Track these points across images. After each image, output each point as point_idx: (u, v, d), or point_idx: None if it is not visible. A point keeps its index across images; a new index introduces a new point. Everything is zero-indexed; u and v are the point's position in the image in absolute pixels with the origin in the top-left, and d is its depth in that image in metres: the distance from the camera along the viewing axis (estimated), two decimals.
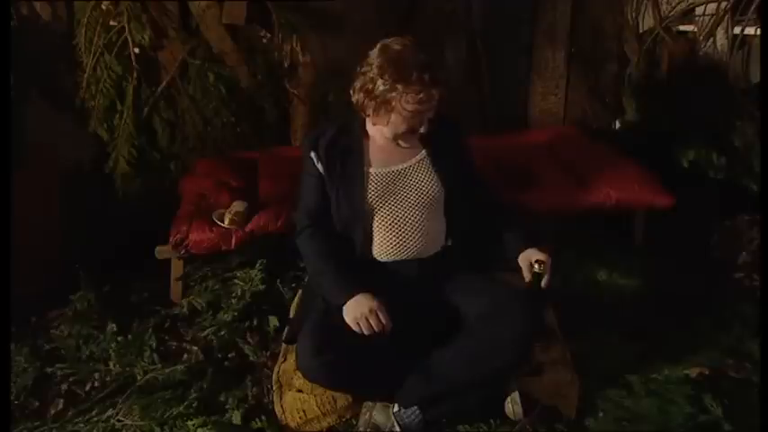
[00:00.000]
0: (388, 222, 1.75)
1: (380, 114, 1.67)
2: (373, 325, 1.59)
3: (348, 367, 1.63)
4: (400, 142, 1.75)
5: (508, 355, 1.63)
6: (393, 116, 1.66)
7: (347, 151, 1.77)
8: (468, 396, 1.68)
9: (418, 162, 1.79)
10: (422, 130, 1.69)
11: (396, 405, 1.68)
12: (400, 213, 1.75)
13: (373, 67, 1.63)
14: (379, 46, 1.67)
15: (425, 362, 1.67)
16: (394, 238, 1.75)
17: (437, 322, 1.74)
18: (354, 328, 1.61)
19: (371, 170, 1.76)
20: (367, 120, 1.77)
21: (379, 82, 1.62)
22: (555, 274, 2.30)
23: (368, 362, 1.66)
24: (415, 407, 1.67)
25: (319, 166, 1.77)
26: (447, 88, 1.67)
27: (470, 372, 1.64)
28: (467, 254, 1.83)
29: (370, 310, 1.60)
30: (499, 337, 1.61)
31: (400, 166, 1.77)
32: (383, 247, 1.76)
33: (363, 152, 1.78)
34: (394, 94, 1.61)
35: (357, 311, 1.61)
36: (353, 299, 1.63)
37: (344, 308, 1.63)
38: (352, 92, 1.71)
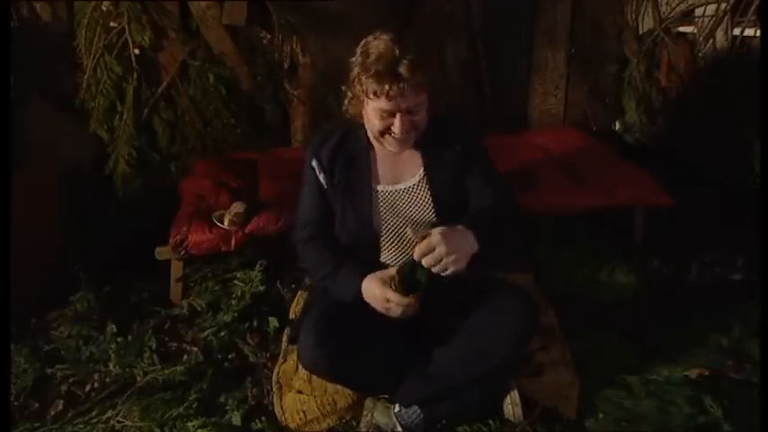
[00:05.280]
0: (394, 239, 1.69)
1: (358, 111, 1.62)
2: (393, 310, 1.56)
3: (350, 360, 1.60)
4: (392, 147, 1.64)
5: (506, 349, 1.60)
6: (367, 112, 1.59)
7: (352, 163, 1.70)
8: (469, 394, 1.68)
9: (419, 181, 1.70)
10: (400, 132, 1.56)
11: (397, 405, 1.67)
12: (405, 231, 1.67)
13: (354, 61, 1.57)
14: (363, 41, 1.58)
15: (425, 361, 1.66)
16: (399, 255, 1.70)
17: (439, 322, 1.72)
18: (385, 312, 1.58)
19: (379, 187, 1.70)
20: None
21: (353, 74, 1.56)
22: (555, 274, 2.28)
23: (370, 355, 1.64)
24: (416, 406, 1.66)
25: (321, 177, 1.70)
26: (432, 87, 1.58)
27: (470, 369, 1.62)
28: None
29: (387, 299, 1.56)
30: (497, 331, 1.59)
31: (406, 185, 1.70)
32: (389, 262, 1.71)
33: (370, 166, 1.70)
34: (359, 87, 1.55)
35: (375, 301, 1.58)
36: (363, 286, 1.59)
37: (365, 295, 1.60)
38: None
